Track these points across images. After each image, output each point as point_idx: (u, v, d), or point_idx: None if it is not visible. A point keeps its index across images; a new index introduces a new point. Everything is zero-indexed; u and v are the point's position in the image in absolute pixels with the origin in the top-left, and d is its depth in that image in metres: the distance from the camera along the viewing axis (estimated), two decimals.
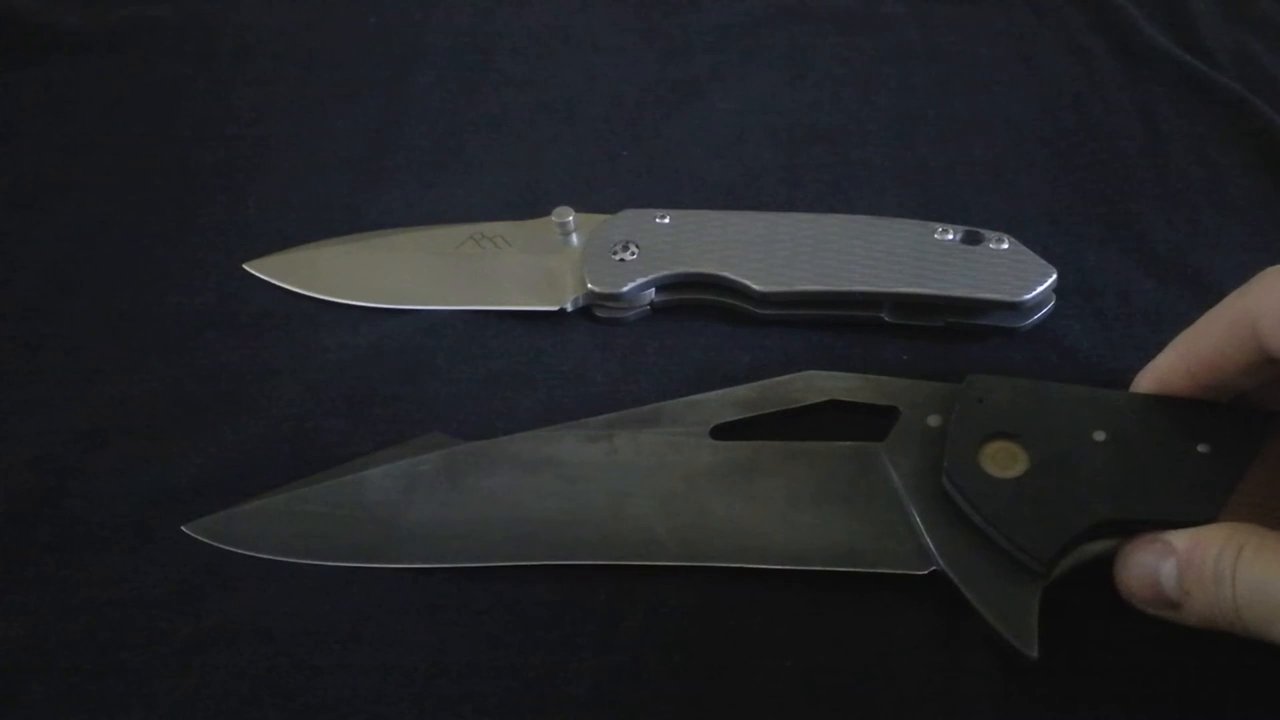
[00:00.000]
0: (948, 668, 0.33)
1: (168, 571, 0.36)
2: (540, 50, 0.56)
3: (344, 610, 0.35)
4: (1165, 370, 0.33)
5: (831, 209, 0.46)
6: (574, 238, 0.44)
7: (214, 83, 0.55)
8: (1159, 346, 0.34)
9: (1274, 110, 0.49)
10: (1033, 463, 0.33)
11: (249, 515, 0.37)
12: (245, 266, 0.46)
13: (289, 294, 0.45)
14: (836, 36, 0.56)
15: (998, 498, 0.32)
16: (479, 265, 0.44)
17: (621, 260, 0.42)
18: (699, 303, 0.43)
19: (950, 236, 0.42)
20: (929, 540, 0.33)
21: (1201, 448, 0.32)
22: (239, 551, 0.36)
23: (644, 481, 0.36)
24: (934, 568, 0.33)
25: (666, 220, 0.43)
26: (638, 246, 0.43)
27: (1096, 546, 0.32)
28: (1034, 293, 0.40)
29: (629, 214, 0.44)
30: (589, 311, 0.43)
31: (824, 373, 0.38)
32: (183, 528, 0.37)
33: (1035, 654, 0.31)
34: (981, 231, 0.42)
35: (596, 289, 0.42)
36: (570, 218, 0.44)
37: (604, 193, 0.48)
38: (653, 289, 0.43)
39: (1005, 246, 0.41)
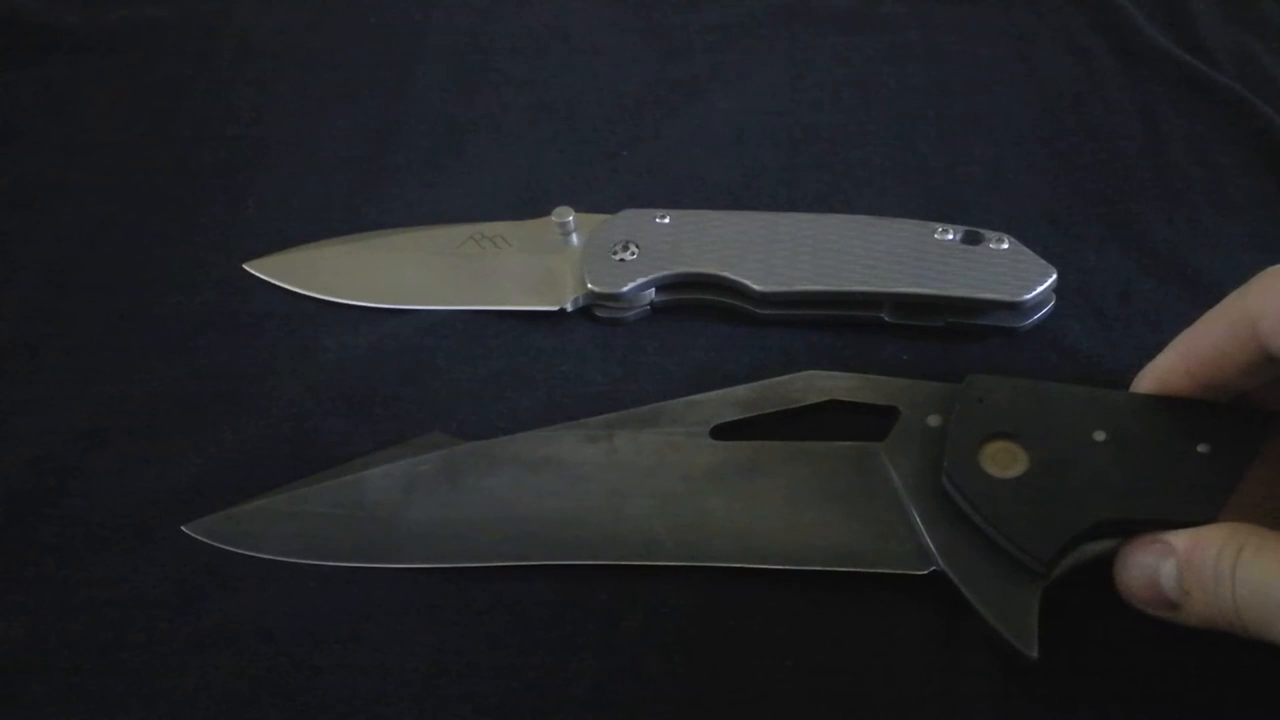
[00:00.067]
0: (948, 668, 0.33)
1: (168, 571, 0.36)
2: (540, 50, 0.56)
3: (344, 610, 0.35)
4: (1165, 370, 0.33)
5: (831, 209, 0.46)
6: (574, 238, 0.44)
7: (214, 83, 0.55)
8: (1159, 346, 0.34)
9: (1274, 110, 0.49)
10: (1033, 463, 0.33)
11: (249, 515, 0.37)
12: (245, 266, 0.46)
13: (289, 294, 0.45)
14: (836, 36, 0.56)
15: (998, 498, 0.32)
16: (479, 265, 0.44)
17: (621, 260, 0.42)
18: (699, 303, 0.43)
19: (950, 236, 0.42)
20: (929, 540, 0.33)
21: (1201, 448, 0.32)
22: (239, 551, 0.36)
23: (644, 481, 0.36)
24: (934, 568, 0.33)
25: (666, 220, 0.43)
26: (638, 246, 0.43)
27: (1096, 546, 0.32)
28: (1034, 293, 0.40)
29: (629, 214, 0.44)
30: (589, 311, 0.43)
31: (824, 373, 0.38)
32: (183, 528, 0.37)
33: (1035, 654, 0.31)
34: (981, 231, 0.42)
35: (596, 289, 0.42)
36: (570, 218, 0.44)
37: (604, 193, 0.48)
38: (653, 289, 0.43)
39: (1005, 246, 0.41)
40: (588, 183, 0.49)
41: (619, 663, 0.34)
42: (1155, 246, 0.45)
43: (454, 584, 0.35)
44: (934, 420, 0.35)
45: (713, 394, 0.38)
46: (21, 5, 0.58)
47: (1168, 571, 0.30)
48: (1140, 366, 0.34)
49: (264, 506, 0.37)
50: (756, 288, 0.41)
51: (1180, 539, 0.30)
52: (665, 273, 0.42)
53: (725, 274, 0.42)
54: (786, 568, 0.34)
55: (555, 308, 0.43)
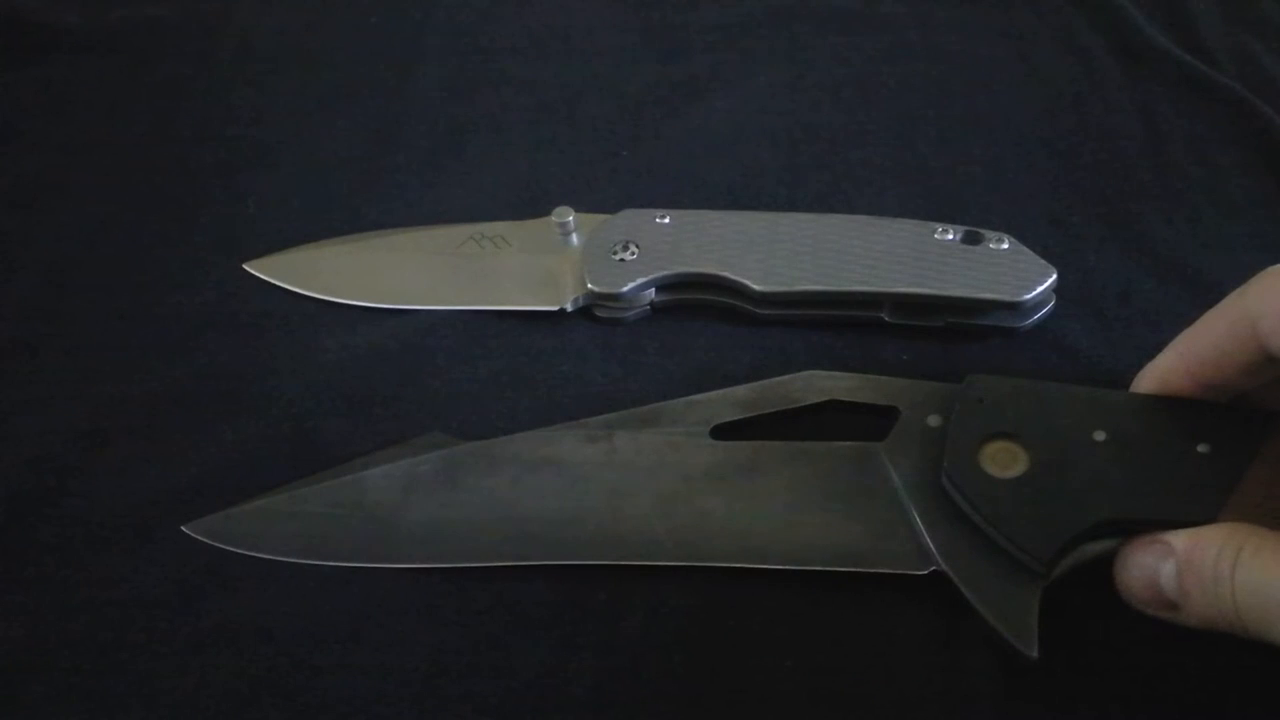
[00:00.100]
0: (948, 668, 0.33)
1: (168, 571, 0.36)
2: (540, 50, 0.56)
3: (344, 610, 0.35)
4: (1166, 370, 0.33)
5: (831, 209, 0.46)
6: (574, 238, 0.44)
7: (214, 83, 0.55)
8: (1159, 346, 0.34)
9: (1274, 110, 0.49)
10: (1033, 463, 0.33)
11: (249, 515, 0.37)
12: (245, 266, 0.46)
13: (289, 294, 0.45)
14: (836, 36, 0.56)
15: (998, 498, 0.32)
16: (479, 265, 0.44)
17: (621, 260, 0.42)
18: (699, 303, 0.43)
19: (950, 236, 0.42)
20: (929, 540, 0.33)
21: (1201, 448, 0.32)
22: (239, 551, 0.36)
23: (644, 481, 0.36)
24: (934, 568, 0.33)
25: (666, 220, 0.43)
26: (638, 246, 0.43)
27: (1096, 546, 0.32)
28: (1034, 293, 0.40)
29: (629, 214, 0.44)
30: (589, 311, 0.43)
31: (824, 373, 0.38)
32: (183, 528, 0.37)
33: (1035, 654, 0.31)
34: (981, 231, 0.42)
35: (596, 289, 0.42)
36: (570, 218, 0.44)
37: (604, 193, 0.48)
38: (653, 289, 0.43)
39: (1005, 246, 0.41)
40: (588, 183, 0.49)
41: (619, 663, 0.34)
42: (1155, 246, 0.45)
43: (454, 584, 0.35)
44: (934, 420, 0.35)
45: (713, 394, 0.38)
46: (21, 5, 0.58)
47: (1167, 572, 0.30)
48: (1140, 366, 0.34)
49: (264, 506, 0.37)
50: (756, 288, 0.41)
51: (1179, 539, 0.30)
52: (665, 273, 0.42)
53: (725, 274, 0.42)
54: (786, 568, 0.34)
55: (555, 308, 0.43)
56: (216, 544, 0.36)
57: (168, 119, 0.53)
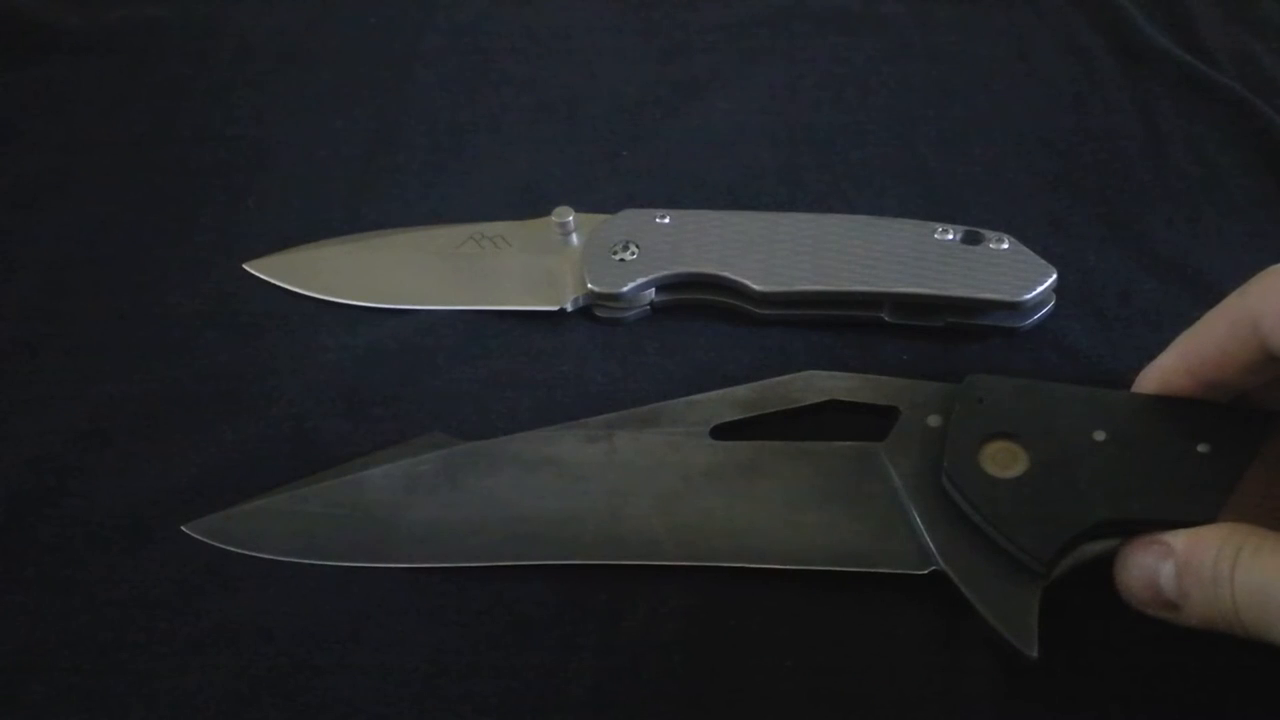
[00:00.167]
0: (948, 668, 0.33)
1: (168, 571, 0.36)
2: (540, 50, 0.56)
3: (344, 610, 0.35)
4: (1167, 369, 0.33)
5: (831, 209, 0.46)
6: (574, 238, 0.44)
7: (214, 83, 0.55)
8: (1159, 346, 0.34)
9: (1274, 110, 0.49)
10: (1033, 463, 0.33)
11: (249, 515, 0.37)
12: (245, 266, 0.46)
13: (289, 294, 0.45)
14: (836, 36, 0.56)
15: (998, 498, 0.32)
16: (479, 265, 0.44)
17: (621, 260, 0.42)
18: (699, 303, 0.43)
19: (950, 236, 0.42)
20: (929, 540, 0.33)
21: (1201, 448, 0.32)
22: (239, 551, 0.36)
23: (644, 481, 0.36)
24: (934, 568, 0.33)
25: (666, 220, 0.43)
26: (638, 246, 0.43)
27: (1096, 546, 0.32)
28: (1034, 293, 0.40)
29: (629, 214, 0.44)
30: (589, 311, 0.43)
31: (824, 373, 0.38)
32: (183, 528, 0.37)
33: (1035, 654, 0.31)
34: (981, 231, 0.42)
35: (596, 289, 0.42)
36: (570, 218, 0.44)
37: (604, 193, 0.48)
38: (653, 289, 0.43)
39: (1005, 246, 0.41)
40: (588, 183, 0.49)
41: (619, 663, 0.34)
42: (1155, 246, 0.45)
43: (454, 584, 0.35)
44: (934, 420, 0.35)
45: (713, 394, 0.38)
46: (21, 5, 0.58)
47: (1167, 572, 0.30)
48: (1140, 366, 0.34)
49: (264, 506, 0.37)
50: (756, 288, 0.41)
51: (1179, 540, 0.30)
52: (665, 273, 0.42)
53: (725, 274, 0.42)
54: (786, 568, 0.34)
55: (555, 308, 0.43)
56: (216, 544, 0.36)
57: (168, 119, 0.53)
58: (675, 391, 0.39)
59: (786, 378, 0.38)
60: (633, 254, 0.42)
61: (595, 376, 0.41)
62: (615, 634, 0.34)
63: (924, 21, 0.56)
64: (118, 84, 0.55)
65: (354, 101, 0.53)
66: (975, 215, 0.45)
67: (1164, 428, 0.33)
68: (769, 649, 0.34)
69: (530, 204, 0.47)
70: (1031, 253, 0.41)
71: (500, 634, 0.34)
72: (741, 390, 0.38)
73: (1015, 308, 0.40)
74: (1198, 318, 0.33)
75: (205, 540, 0.36)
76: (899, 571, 0.34)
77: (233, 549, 0.36)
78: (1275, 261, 0.31)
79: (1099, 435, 0.33)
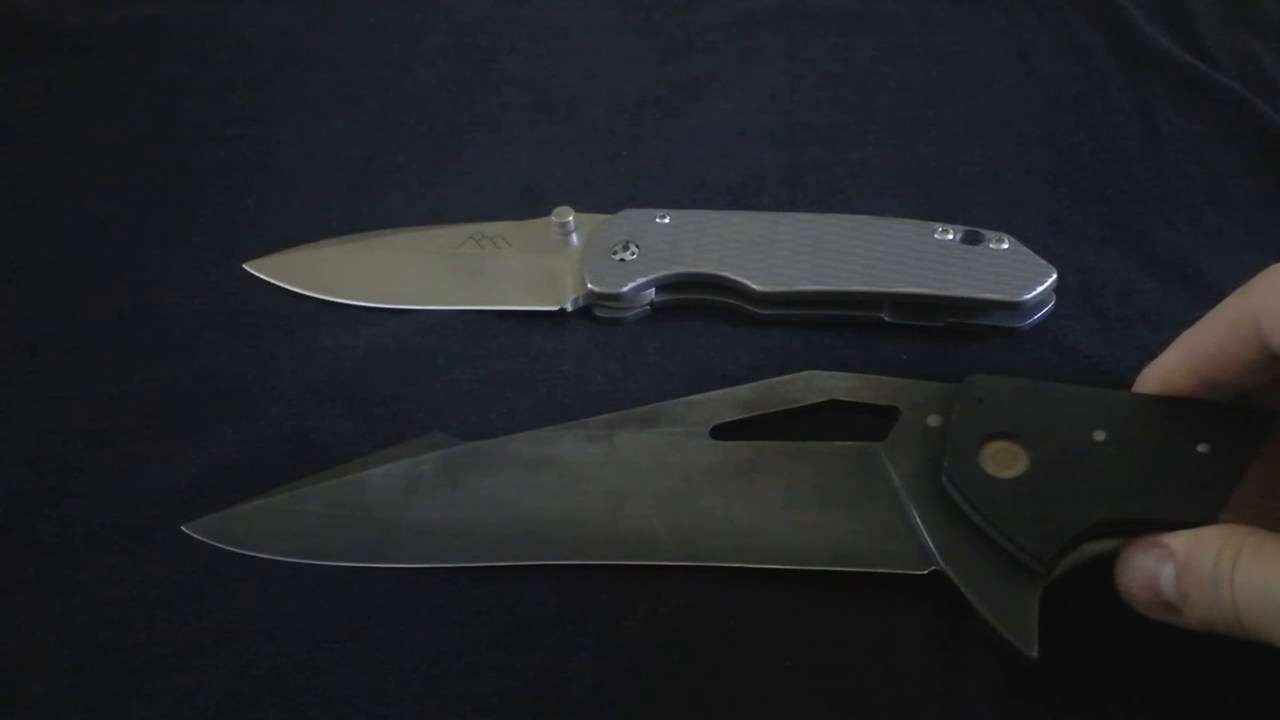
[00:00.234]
0: (948, 668, 0.33)
1: (168, 571, 0.36)
2: (540, 50, 0.56)
3: (344, 610, 0.35)
4: (1168, 369, 0.33)
5: (831, 209, 0.46)
6: (574, 238, 0.44)
7: (214, 83, 0.55)
8: (1159, 346, 0.34)
9: (1274, 110, 0.49)
10: (1033, 463, 0.33)
11: (249, 515, 0.37)
12: (245, 266, 0.46)
13: (289, 294, 0.45)
14: (836, 36, 0.56)
15: (998, 498, 0.32)
16: (479, 265, 0.44)
17: (621, 260, 0.42)
18: (699, 303, 0.43)
19: (950, 236, 0.42)
20: (929, 540, 0.33)
21: (1201, 448, 0.32)
22: (239, 551, 0.36)
23: (644, 481, 0.36)
24: (934, 568, 0.33)
25: (666, 220, 0.43)
26: (638, 246, 0.43)
27: (1096, 546, 0.32)
28: (1034, 293, 0.40)
29: (629, 214, 0.44)
30: (589, 311, 0.43)
31: (824, 373, 0.38)
32: (183, 528, 0.37)
33: (1035, 654, 0.31)
34: (981, 231, 0.42)
35: (596, 289, 0.42)
36: (570, 218, 0.44)
37: (604, 193, 0.48)
38: (653, 289, 0.43)
39: (1005, 246, 0.41)
40: (588, 183, 0.49)
41: (619, 663, 0.34)
42: (1155, 246, 0.45)
43: (454, 584, 0.35)
44: (934, 420, 0.35)
45: (713, 394, 0.38)
46: (21, 5, 0.58)
47: (1167, 575, 0.30)
48: (1140, 366, 0.34)
49: (264, 506, 0.37)
50: (756, 288, 0.41)
51: (1178, 542, 0.30)
52: (665, 273, 0.42)
53: (725, 274, 0.42)
54: (786, 568, 0.34)
55: (555, 308, 0.43)
56: (216, 544, 0.36)
57: (168, 119, 0.53)
58: (675, 391, 0.39)
59: (786, 378, 0.38)
60: (633, 254, 0.42)
61: (595, 376, 0.41)
62: (615, 634, 0.34)
63: (924, 21, 0.56)
64: (118, 84, 0.55)
65: (354, 101, 0.53)
66: (975, 215, 0.45)
67: (1164, 428, 0.33)
68: (769, 649, 0.34)
69: (530, 204, 0.47)
70: (1031, 253, 0.41)
71: (500, 634, 0.34)
72: (741, 390, 0.38)
73: (1015, 308, 0.40)
74: (1198, 318, 0.33)
75: (205, 540, 0.36)
76: (899, 571, 0.34)
77: (233, 549, 0.36)
78: (1275, 261, 0.31)
79: (1099, 435, 0.33)
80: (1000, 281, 0.40)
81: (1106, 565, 0.32)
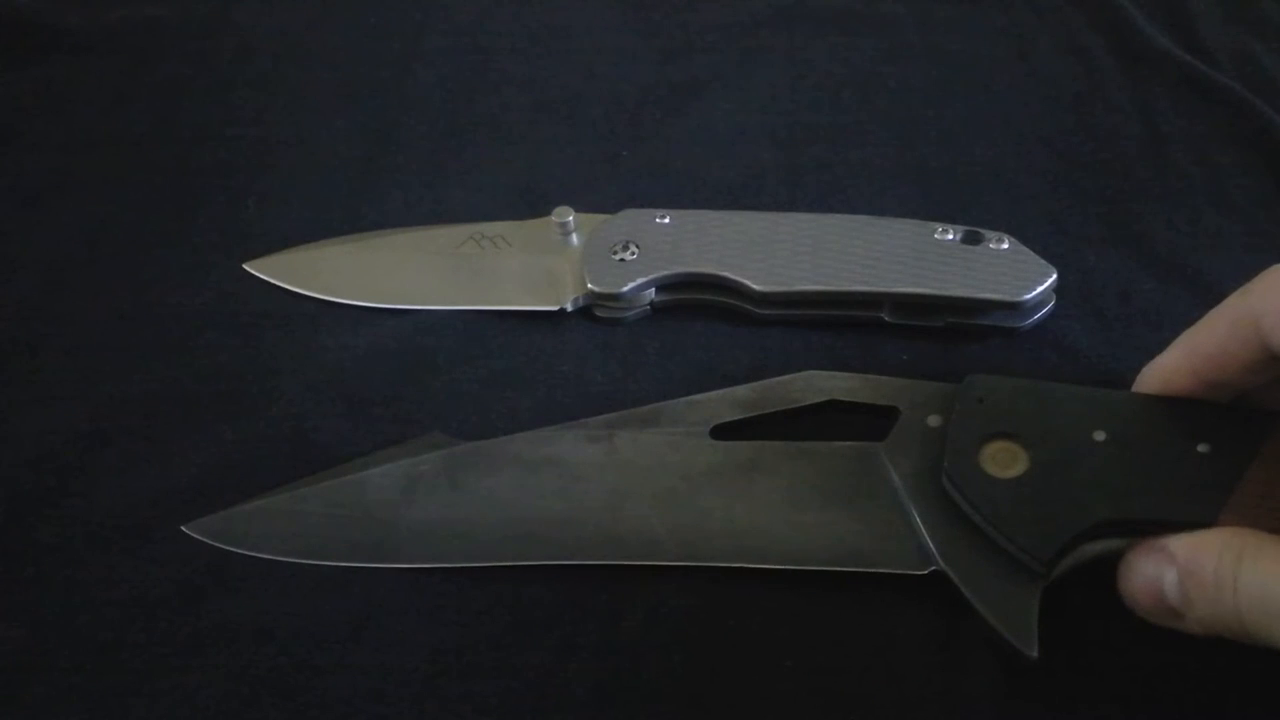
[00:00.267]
0: (948, 668, 0.33)
1: (168, 571, 0.36)
2: (540, 50, 0.56)
3: (344, 610, 0.35)
4: (1169, 369, 0.33)
5: (831, 209, 0.46)
6: (574, 238, 0.44)
7: (214, 83, 0.55)
8: (1159, 346, 0.34)
9: (1274, 110, 0.49)
10: (1033, 463, 0.33)
11: (249, 515, 0.37)
12: (245, 266, 0.46)
13: (289, 294, 0.45)
14: (836, 36, 0.56)
15: (998, 498, 0.32)
16: (479, 265, 0.44)
17: (621, 260, 0.42)
18: (699, 303, 0.43)
19: (950, 236, 0.42)
20: (929, 540, 0.33)
21: (1201, 448, 0.32)
22: (239, 551, 0.36)
23: (644, 481, 0.36)
24: (934, 568, 0.33)
25: (666, 220, 0.43)
26: (638, 246, 0.43)
27: (1096, 546, 0.32)
28: (1034, 293, 0.40)
29: (629, 214, 0.44)
30: (589, 311, 0.43)
31: (824, 373, 0.38)
32: (183, 528, 0.37)
33: (1035, 654, 0.31)
34: (981, 231, 0.42)
35: (596, 289, 0.42)
36: (570, 218, 0.44)
37: (604, 193, 0.48)
38: (653, 289, 0.43)
39: (1005, 246, 0.41)
40: (588, 183, 0.49)
41: (619, 663, 0.34)
42: (1155, 246, 0.45)
43: (454, 584, 0.35)
44: (934, 420, 0.35)
45: (713, 394, 0.38)
46: (22, 5, 0.58)
47: (1170, 580, 0.30)
48: (1140, 366, 0.34)
49: (264, 506, 0.37)
50: (756, 288, 0.41)
51: (1180, 546, 0.30)
52: (665, 273, 0.42)
53: (725, 274, 0.42)
54: (786, 568, 0.34)
55: (555, 308, 0.43)
56: (216, 544, 0.36)
57: (168, 119, 0.53)
58: (675, 391, 0.39)
59: (786, 378, 0.38)
60: (633, 254, 0.42)
61: (595, 376, 0.41)
62: (615, 634, 0.34)
63: (924, 21, 0.56)
64: (118, 84, 0.55)
65: (354, 101, 0.53)
66: (975, 215, 0.45)
67: (1164, 428, 0.33)
68: (769, 649, 0.34)
69: (530, 204, 0.47)
70: (1031, 253, 0.41)
71: (500, 634, 0.34)
72: (741, 390, 0.38)
73: (1015, 308, 0.40)
74: (1198, 318, 0.33)
75: (205, 540, 0.36)
76: (899, 571, 0.34)
77: (233, 549, 0.36)
78: (1275, 261, 0.31)
79: (1099, 435, 0.33)
80: (1000, 281, 0.40)
81: (1106, 565, 0.32)
